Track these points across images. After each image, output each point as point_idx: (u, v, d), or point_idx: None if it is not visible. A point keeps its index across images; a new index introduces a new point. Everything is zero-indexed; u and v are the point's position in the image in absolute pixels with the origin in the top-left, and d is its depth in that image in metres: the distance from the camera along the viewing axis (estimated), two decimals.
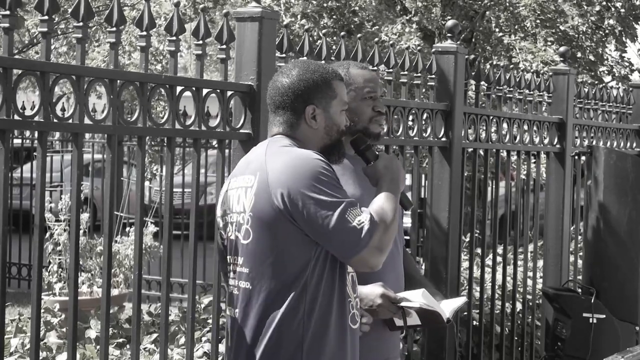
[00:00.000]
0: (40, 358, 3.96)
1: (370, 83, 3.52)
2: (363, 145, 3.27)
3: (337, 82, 3.15)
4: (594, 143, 6.79)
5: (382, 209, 2.99)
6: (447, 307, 3.42)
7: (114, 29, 3.52)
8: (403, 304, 3.32)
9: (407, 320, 3.35)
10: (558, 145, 6.47)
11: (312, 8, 11.07)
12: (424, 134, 5.17)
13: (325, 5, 11.18)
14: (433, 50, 5.41)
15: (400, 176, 3.13)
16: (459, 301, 3.53)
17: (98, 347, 4.35)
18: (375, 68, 4.78)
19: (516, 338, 6.15)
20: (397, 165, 3.15)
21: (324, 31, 4.79)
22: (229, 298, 3.13)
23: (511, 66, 6.27)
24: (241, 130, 4.02)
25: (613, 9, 12.02)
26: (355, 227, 2.90)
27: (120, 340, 5.50)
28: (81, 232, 7.30)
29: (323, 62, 4.38)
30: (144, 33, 3.65)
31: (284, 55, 4.23)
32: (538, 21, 11.51)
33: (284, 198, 2.92)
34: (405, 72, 5.07)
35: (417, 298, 3.32)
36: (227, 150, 4.46)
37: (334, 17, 11.24)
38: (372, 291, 3.32)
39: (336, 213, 2.89)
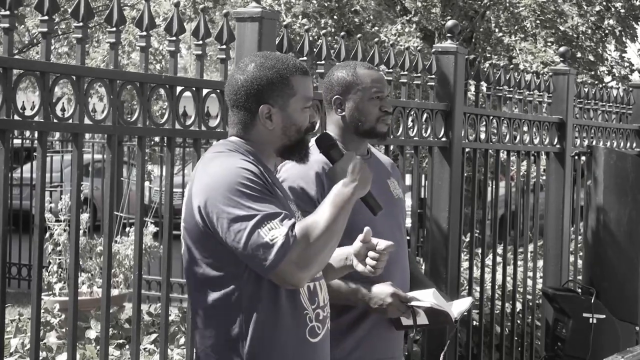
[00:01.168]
0: (40, 358, 3.96)
1: (377, 83, 3.52)
2: (327, 143, 3.01)
3: (297, 78, 2.83)
4: (594, 143, 6.78)
5: (313, 222, 2.67)
6: (456, 308, 3.42)
7: (114, 29, 3.52)
8: (413, 303, 3.31)
9: (416, 320, 3.34)
10: (558, 146, 6.46)
11: (312, 8, 11.07)
12: (424, 134, 5.17)
13: (326, 5, 11.18)
14: (433, 50, 5.41)
15: (362, 179, 2.80)
16: (467, 302, 3.52)
17: (98, 347, 4.35)
18: (376, 68, 4.78)
19: (516, 338, 6.14)
20: (359, 167, 2.81)
21: (323, 31, 4.78)
22: None
23: (511, 67, 6.26)
24: None
25: (613, 9, 12.02)
26: (267, 242, 2.61)
27: (120, 340, 5.51)
28: (81, 232, 7.30)
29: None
30: (144, 33, 3.65)
31: None
32: (538, 21, 11.51)
33: (200, 212, 2.71)
34: (405, 72, 5.07)
35: (427, 298, 3.32)
36: None
37: (334, 17, 11.24)
38: (382, 290, 3.31)
39: (248, 228, 2.62)
